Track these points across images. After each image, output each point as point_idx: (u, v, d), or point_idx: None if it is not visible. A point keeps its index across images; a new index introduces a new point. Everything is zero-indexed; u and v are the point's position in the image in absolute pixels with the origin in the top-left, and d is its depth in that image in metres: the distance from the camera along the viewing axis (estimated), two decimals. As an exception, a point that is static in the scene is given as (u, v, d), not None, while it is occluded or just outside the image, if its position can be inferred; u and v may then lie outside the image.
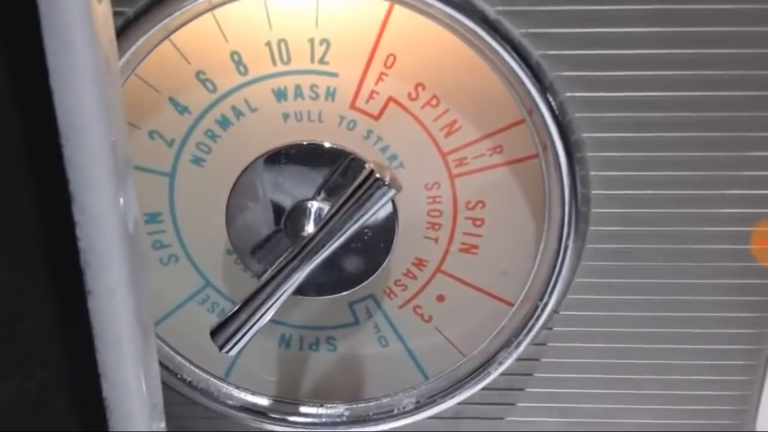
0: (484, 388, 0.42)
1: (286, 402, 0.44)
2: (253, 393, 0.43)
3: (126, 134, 0.27)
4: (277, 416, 0.43)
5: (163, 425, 0.32)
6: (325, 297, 0.40)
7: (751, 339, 0.41)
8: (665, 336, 0.41)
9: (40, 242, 0.26)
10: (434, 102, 0.38)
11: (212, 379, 0.43)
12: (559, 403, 0.43)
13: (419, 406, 0.42)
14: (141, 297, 0.28)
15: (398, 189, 0.37)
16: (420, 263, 0.41)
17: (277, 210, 0.39)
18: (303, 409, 0.43)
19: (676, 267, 0.40)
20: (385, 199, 0.36)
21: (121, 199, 0.27)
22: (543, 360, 0.42)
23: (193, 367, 0.43)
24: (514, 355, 0.41)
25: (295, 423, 0.43)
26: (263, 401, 0.44)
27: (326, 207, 0.38)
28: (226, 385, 0.43)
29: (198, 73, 0.37)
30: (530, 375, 0.42)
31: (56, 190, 0.25)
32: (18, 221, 0.26)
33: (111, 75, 0.25)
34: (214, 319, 0.39)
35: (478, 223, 0.40)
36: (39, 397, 0.30)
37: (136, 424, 0.30)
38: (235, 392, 0.43)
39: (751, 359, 0.42)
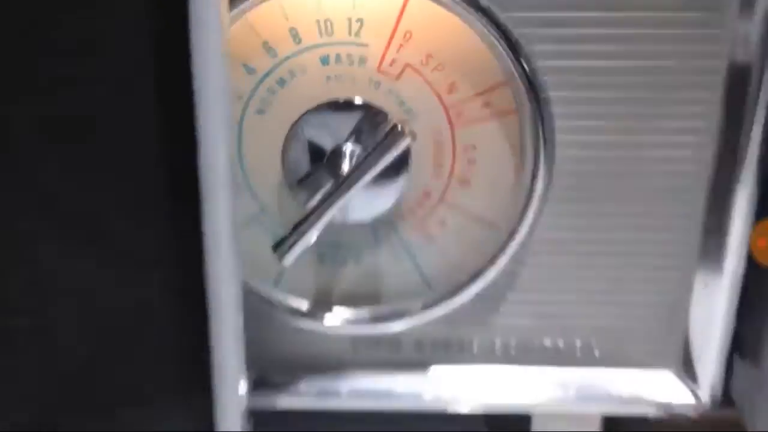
0: (475, 295, 0.46)
1: (321, 306, 0.48)
2: (296, 297, 0.47)
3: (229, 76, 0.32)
4: (314, 318, 0.47)
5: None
6: (353, 221, 0.44)
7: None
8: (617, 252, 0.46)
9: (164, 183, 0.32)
10: (440, 68, 0.42)
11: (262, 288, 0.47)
12: (534, 307, 0.47)
13: (425, 308, 0.47)
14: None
15: (414, 138, 0.41)
16: (427, 195, 0.45)
17: (320, 151, 0.43)
18: (334, 310, 0.48)
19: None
20: (402, 146, 0.41)
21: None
22: (522, 274, 0.46)
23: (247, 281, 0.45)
24: (498, 268, 0.45)
25: (328, 321, 0.47)
26: (303, 305, 0.48)
27: (357, 149, 0.42)
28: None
29: (264, 43, 0.42)
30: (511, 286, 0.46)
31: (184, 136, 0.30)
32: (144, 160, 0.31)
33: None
34: (266, 241, 0.44)
35: (472, 162, 0.44)
36: (156, 307, 0.33)
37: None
38: (282, 297, 0.47)
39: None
